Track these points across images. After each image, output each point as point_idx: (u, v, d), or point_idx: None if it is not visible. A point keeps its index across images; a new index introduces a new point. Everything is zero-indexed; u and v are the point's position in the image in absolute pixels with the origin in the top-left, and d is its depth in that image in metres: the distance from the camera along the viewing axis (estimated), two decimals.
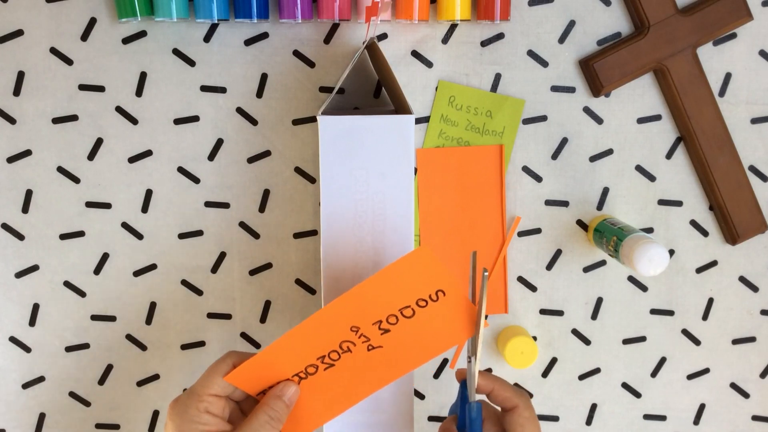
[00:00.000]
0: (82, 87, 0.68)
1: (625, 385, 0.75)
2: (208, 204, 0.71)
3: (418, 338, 0.56)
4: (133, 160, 0.70)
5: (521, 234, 0.72)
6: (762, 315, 0.73)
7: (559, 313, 0.73)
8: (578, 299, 0.73)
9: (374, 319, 0.54)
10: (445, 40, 0.69)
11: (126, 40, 0.68)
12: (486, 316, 0.73)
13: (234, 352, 0.56)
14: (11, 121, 0.69)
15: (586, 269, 0.73)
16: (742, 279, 0.73)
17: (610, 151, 0.71)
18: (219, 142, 0.70)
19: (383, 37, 0.68)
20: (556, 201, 0.71)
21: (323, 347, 0.55)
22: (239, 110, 0.69)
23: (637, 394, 0.75)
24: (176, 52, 0.68)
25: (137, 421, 0.74)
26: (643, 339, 0.74)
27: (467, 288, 0.57)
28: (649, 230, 0.72)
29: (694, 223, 0.72)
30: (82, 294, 0.72)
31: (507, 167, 0.70)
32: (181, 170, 0.70)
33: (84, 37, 0.67)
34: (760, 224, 0.71)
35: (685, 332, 0.74)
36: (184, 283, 0.72)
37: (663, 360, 0.74)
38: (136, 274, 0.72)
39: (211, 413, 0.53)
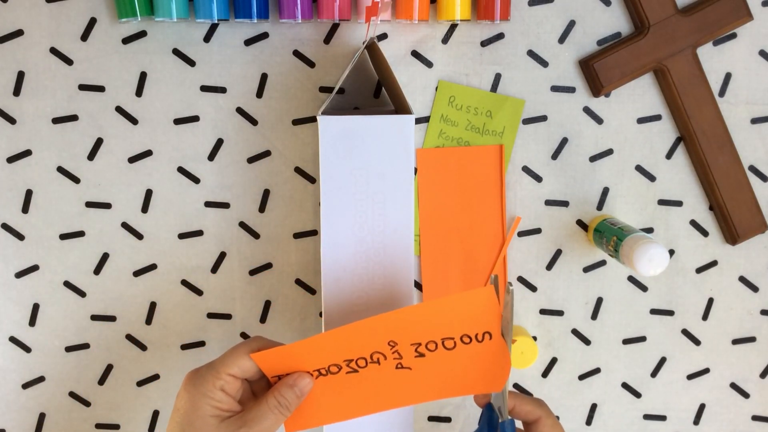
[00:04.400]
0: (82, 87, 0.68)
1: (625, 385, 0.75)
2: (208, 204, 0.71)
3: (450, 372, 0.56)
4: (133, 160, 0.70)
5: (521, 234, 0.72)
6: (762, 315, 0.73)
7: (559, 313, 0.73)
8: (578, 299, 0.73)
9: (414, 341, 0.54)
10: (445, 40, 0.69)
11: (126, 40, 0.68)
12: None
13: (261, 338, 0.56)
14: (11, 121, 0.69)
15: (586, 269, 0.73)
16: (742, 279, 0.73)
17: (610, 151, 0.71)
18: (219, 142, 0.70)
19: (383, 37, 0.68)
20: (556, 201, 0.71)
21: (354, 352, 0.55)
22: (239, 110, 0.69)
23: (637, 394, 0.75)
24: (176, 52, 0.68)
25: (137, 421, 0.74)
26: (643, 339, 0.74)
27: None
28: (649, 230, 0.72)
29: (694, 223, 0.72)
30: (82, 294, 0.72)
31: (507, 167, 0.71)
32: (181, 170, 0.70)
33: (84, 37, 0.67)
34: (760, 224, 0.71)
35: (685, 332, 0.74)
36: (184, 283, 0.72)
37: (663, 360, 0.74)
38: (136, 274, 0.72)
39: (226, 392, 0.54)
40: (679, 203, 0.72)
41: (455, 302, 0.53)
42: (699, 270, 0.73)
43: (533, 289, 0.73)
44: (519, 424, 0.60)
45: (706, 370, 0.74)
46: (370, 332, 0.54)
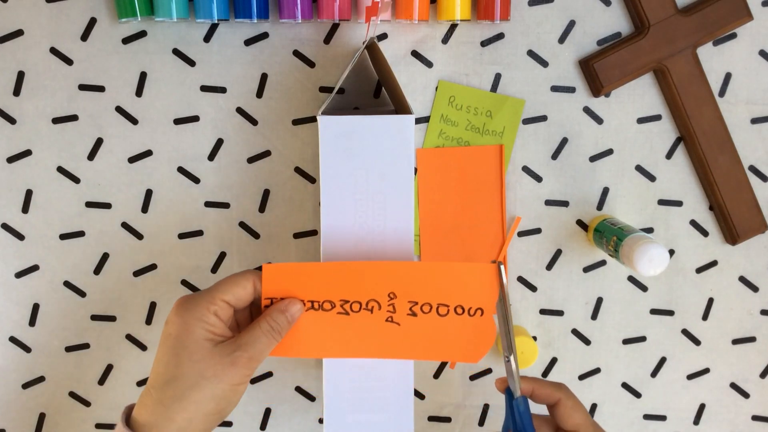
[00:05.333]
0: (82, 87, 0.68)
1: (625, 385, 0.75)
2: (208, 204, 0.71)
3: (434, 337, 0.58)
4: (133, 160, 0.70)
5: (521, 234, 0.72)
6: (762, 315, 0.73)
7: (559, 313, 0.73)
8: (578, 299, 0.73)
9: (412, 298, 0.57)
10: (445, 40, 0.69)
11: (126, 40, 0.68)
12: None
13: (254, 272, 0.57)
14: (11, 121, 0.69)
15: (586, 269, 0.73)
16: (742, 279, 0.73)
17: (610, 151, 0.71)
18: (219, 142, 0.70)
19: (383, 37, 0.68)
20: (556, 201, 0.71)
21: (354, 293, 0.57)
22: (239, 110, 0.69)
23: (637, 394, 0.75)
24: (176, 52, 0.68)
25: None
26: (643, 339, 0.74)
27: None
28: (649, 230, 0.72)
29: (694, 223, 0.72)
30: (82, 294, 0.72)
31: (507, 167, 0.71)
32: (181, 170, 0.70)
33: (84, 37, 0.68)
34: (760, 224, 0.71)
35: (685, 332, 0.74)
36: (184, 283, 0.72)
37: (663, 360, 0.74)
38: (136, 274, 0.72)
39: (219, 317, 0.54)
40: (679, 203, 0.72)
41: (459, 270, 0.57)
42: (699, 270, 0.73)
43: (533, 289, 0.73)
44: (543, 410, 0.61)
45: (706, 370, 0.74)
46: (376, 276, 0.57)
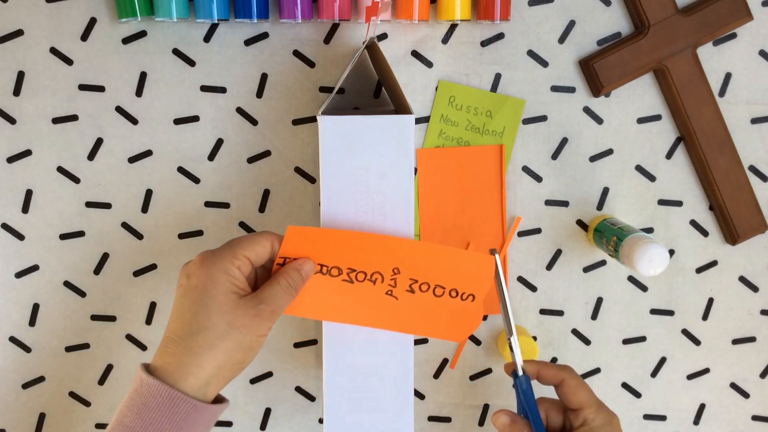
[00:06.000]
0: (82, 87, 0.68)
1: (625, 385, 0.75)
2: (208, 204, 0.71)
3: (427, 314, 0.61)
4: (133, 160, 0.70)
5: (521, 234, 0.72)
6: (762, 315, 0.73)
7: (559, 313, 0.73)
8: (578, 299, 0.73)
9: (413, 276, 0.60)
10: (445, 40, 0.69)
11: (126, 40, 0.68)
12: (485, 317, 0.73)
13: (271, 233, 0.59)
14: (11, 121, 0.69)
15: (586, 269, 0.73)
16: (742, 279, 0.73)
17: (610, 151, 0.71)
18: (219, 142, 0.70)
19: (383, 37, 0.68)
20: (556, 201, 0.71)
21: (361, 263, 0.59)
22: (239, 110, 0.69)
23: (637, 394, 0.75)
24: (176, 52, 0.68)
25: None
26: (643, 339, 0.74)
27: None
28: (649, 230, 0.72)
29: (694, 223, 0.72)
30: (82, 294, 0.72)
31: (507, 167, 0.71)
32: (181, 170, 0.70)
33: (84, 37, 0.68)
34: (760, 224, 0.71)
35: (685, 332, 0.74)
36: None
37: (663, 360, 0.74)
38: (136, 274, 0.72)
39: (241, 271, 0.56)
40: (679, 203, 0.72)
41: (461, 256, 0.59)
42: (699, 270, 0.73)
43: (533, 289, 0.73)
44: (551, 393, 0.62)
45: (706, 370, 0.74)
46: (385, 250, 0.59)
